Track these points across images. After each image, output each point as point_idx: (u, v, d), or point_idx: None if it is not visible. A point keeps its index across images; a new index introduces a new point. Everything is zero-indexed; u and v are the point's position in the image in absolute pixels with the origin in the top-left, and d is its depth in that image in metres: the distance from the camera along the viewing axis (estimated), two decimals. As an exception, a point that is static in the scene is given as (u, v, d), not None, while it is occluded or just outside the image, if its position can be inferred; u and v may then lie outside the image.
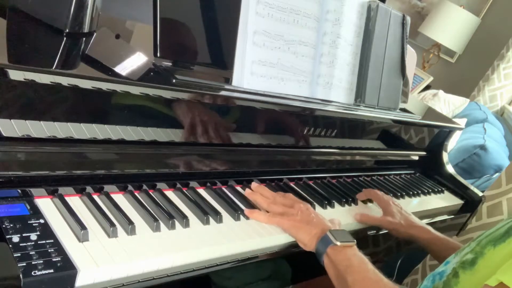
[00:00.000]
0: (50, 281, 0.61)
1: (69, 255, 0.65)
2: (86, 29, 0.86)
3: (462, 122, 2.38)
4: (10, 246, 0.62)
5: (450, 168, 1.61)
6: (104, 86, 0.75)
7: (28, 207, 0.70)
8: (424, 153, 1.58)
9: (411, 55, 1.61)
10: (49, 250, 0.64)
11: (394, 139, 1.43)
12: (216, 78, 0.96)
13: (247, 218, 0.92)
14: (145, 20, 0.91)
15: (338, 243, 0.86)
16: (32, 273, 0.60)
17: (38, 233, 0.66)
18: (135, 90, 0.79)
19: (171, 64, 0.89)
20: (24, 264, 0.60)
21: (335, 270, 0.85)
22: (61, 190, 0.77)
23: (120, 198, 0.82)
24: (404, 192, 1.35)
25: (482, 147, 2.11)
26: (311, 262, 0.90)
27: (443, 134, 1.58)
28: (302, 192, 1.11)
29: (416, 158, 1.58)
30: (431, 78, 3.60)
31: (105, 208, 0.78)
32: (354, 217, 1.10)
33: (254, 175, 1.07)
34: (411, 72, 1.75)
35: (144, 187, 0.88)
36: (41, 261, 0.62)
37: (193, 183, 0.95)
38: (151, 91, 0.81)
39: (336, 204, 1.12)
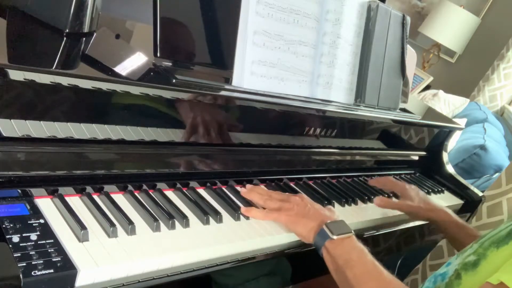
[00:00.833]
0: (50, 281, 0.61)
1: (69, 255, 0.65)
2: (86, 29, 0.86)
3: (462, 122, 2.38)
4: (10, 246, 0.62)
5: (450, 168, 1.60)
6: (104, 86, 0.75)
7: (28, 207, 0.70)
8: (424, 153, 1.58)
9: (411, 55, 1.61)
10: (49, 250, 0.64)
11: (394, 139, 1.43)
12: (216, 78, 0.96)
13: (247, 218, 0.92)
14: (145, 20, 0.91)
15: (335, 237, 0.85)
16: (32, 273, 0.59)
17: (38, 233, 0.66)
18: (135, 90, 0.79)
19: (171, 64, 0.89)
20: (24, 264, 0.60)
21: (334, 264, 0.84)
22: (61, 190, 0.77)
23: (120, 198, 0.82)
24: (404, 192, 1.35)
25: (482, 147, 2.11)
26: (311, 262, 0.90)
27: (443, 134, 1.58)
28: (302, 192, 1.11)
29: (416, 158, 1.58)
30: (431, 78, 3.60)
31: (105, 208, 0.78)
32: (374, 201, 1.12)
33: (254, 175, 1.07)
34: (411, 72, 1.75)
35: (144, 187, 0.88)
36: (41, 261, 0.62)
37: (193, 183, 0.95)
38: (151, 91, 0.81)
39: (336, 204, 1.12)
